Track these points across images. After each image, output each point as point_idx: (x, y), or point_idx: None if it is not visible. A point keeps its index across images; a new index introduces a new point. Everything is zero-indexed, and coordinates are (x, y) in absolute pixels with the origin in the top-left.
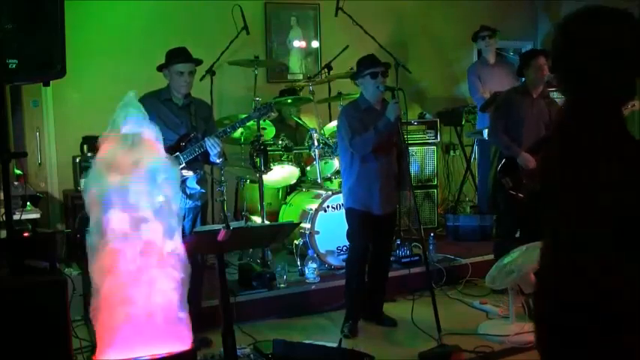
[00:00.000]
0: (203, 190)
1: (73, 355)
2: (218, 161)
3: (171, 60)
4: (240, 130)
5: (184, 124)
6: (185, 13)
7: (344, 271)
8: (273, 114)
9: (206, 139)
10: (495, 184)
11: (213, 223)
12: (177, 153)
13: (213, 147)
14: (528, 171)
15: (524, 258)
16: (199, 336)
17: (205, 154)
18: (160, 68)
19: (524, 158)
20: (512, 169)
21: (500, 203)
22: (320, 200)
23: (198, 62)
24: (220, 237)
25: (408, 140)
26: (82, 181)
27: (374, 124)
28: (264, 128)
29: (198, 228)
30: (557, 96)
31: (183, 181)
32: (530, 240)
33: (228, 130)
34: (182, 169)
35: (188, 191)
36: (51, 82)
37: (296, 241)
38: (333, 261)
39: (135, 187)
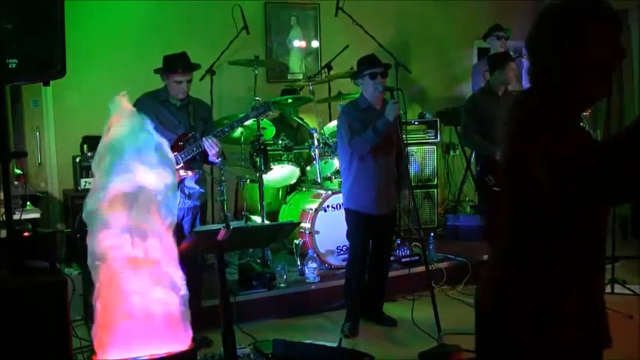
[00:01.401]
0: (202, 190)
1: (73, 355)
2: (217, 161)
3: (168, 68)
4: (240, 129)
5: (182, 124)
6: (185, 13)
7: (344, 271)
8: (271, 113)
9: (204, 138)
10: (478, 183)
11: (213, 223)
12: (176, 153)
13: (211, 147)
14: None
15: None
16: (199, 336)
17: (204, 154)
18: (157, 71)
19: None
20: (492, 166)
21: (485, 202)
22: (320, 200)
23: (196, 68)
24: (220, 237)
25: (408, 140)
26: (84, 180)
27: (373, 125)
28: (264, 128)
29: (198, 228)
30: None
31: (182, 181)
32: None
33: (226, 129)
34: (180, 169)
35: (187, 191)
36: (51, 82)
37: (296, 241)
38: (333, 261)
39: (134, 186)
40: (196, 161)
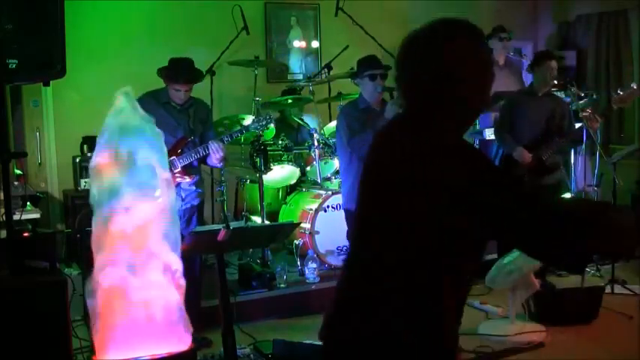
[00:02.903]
0: (199, 190)
1: (73, 355)
2: (219, 165)
3: (169, 76)
4: None
5: (182, 126)
6: (185, 13)
7: None
8: (272, 126)
9: (211, 142)
10: None
11: (213, 223)
12: (173, 157)
13: (217, 151)
14: (527, 166)
15: (524, 258)
16: (199, 336)
17: (202, 158)
18: (159, 73)
19: (519, 153)
20: (511, 166)
21: None
22: (320, 200)
23: (198, 79)
24: (220, 237)
25: None
26: (84, 181)
27: (372, 125)
28: None
29: (198, 228)
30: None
31: (177, 184)
32: None
33: (226, 138)
34: (177, 173)
35: (183, 193)
36: (51, 82)
37: (296, 241)
38: (333, 261)
39: (134, 187)
40: (194, 167)
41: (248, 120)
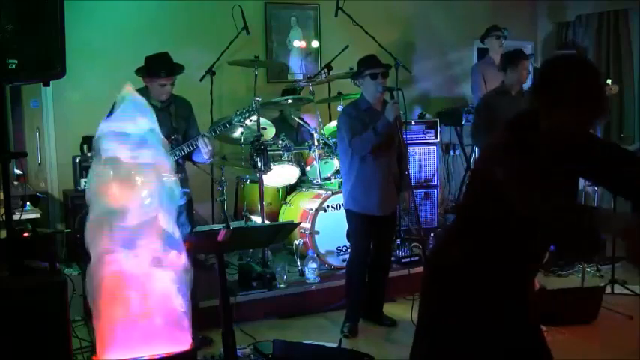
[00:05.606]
0: (186, 190)
1: (73, 355)
2: (207, 160)
3: (151, 71)
4: (240, 130)
5: (165, 125)
6: (185, 13)
7: (344, 271)
8: (253, 118)
9: (198, 137)
10: None
11: (213, 223)
12: None
13: (205, 145)
14: None
15: None
16: (199, 336)
17: (188, 156)
18: (138, 72)
19: None
20: None
21: None
22: (320, 200)
23: (180, 71)
24: (220, 237)
25: (408, 140)
26: (84, 181)
27: (373, 125)
28: (264, 128)
29: (198, 228)
30: None
31: None
32: None
33: (213, 132)
34: None
35: None
36: (51, 82)
37: (296, 241)
38: (333, 261)
39: (134, 185)
40: (179, 165)
41: (249, 122)
